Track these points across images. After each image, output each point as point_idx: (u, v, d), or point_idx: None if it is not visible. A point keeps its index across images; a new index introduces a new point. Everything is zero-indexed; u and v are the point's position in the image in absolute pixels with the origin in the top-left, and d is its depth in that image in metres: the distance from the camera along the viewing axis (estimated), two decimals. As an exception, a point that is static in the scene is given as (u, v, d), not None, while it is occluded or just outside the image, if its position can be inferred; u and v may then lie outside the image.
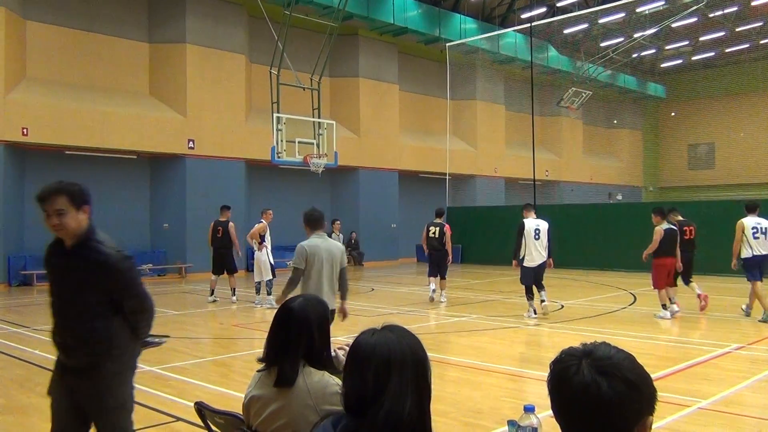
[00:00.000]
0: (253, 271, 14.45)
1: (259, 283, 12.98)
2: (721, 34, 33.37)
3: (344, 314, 6.12)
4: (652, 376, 1.47)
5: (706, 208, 18.61)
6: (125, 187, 19.86)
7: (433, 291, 13.70)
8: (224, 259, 13.74)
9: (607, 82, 35.00)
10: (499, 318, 11.34)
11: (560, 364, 1.46)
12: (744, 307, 11.14)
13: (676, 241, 11.06)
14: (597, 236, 20.91)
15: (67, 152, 18.45)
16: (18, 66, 17.49)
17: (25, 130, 16.99)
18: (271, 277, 12.86)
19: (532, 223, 11.32)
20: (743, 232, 10.59)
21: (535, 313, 11.18)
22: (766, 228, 10.56)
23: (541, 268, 11.25)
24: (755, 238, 10.54)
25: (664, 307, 10.95)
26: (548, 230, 11.32)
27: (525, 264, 11.19)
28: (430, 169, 26.84)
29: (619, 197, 36.68)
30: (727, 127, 39.26)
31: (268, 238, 13.09)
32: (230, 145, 20.55)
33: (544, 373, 1.52)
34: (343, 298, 6.13)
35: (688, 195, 36.35)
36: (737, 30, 32.99)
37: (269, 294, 12.75)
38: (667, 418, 5.34)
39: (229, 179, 20.45)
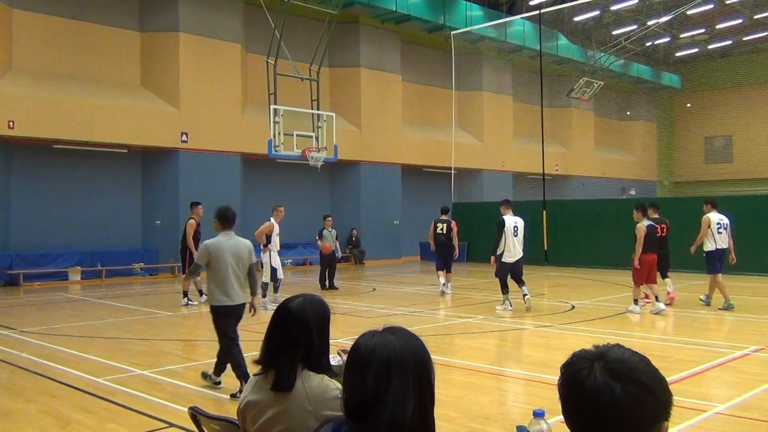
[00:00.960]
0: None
1: (266, 284, 12.89)
2: (739, 21, 33.23)
3: (254, 310, 6.66)
4: (668, 379, 1.46)
5: (723, 203, 18.57)
6: (116, 182, 19.88)
7: (444, 285, 14.65)
8: (182, 260, 13.78)
9: (619, 71, 34.94)
10: (507, 319, 11.35)
11: (572, 367, 1.45)
12: (703, 297, 12.44)
13: (656, 236, 11.63)
14: (609, 233, 20.90)
15: (55, 146, 18.46)
16: (4, 56, 17.50)
17: (11, 123, 17.00)
18: (268, 281, 12.74)
19: (511, 220, 12.04)
20: (709, 227, 11.71)
21: (511, 306, 11.99)
22: (727, 224, 11.88)
23: (519, 263, 12.05)
24: (719, 233, 11.77)
25: (635, 302, 11.66)
26: (525, 227, 12.24)
27: (503, 259, 11.96)
28: (434, 164, 26.86)
29: (633, 192, 36.67)
30: (746, 119, 39.16)
31: (275, 239, 12.95)
32: (225, 139, 20.56)
33: (554, 377, 1.51)
34: (252, 293, 6.65)
35: (704, 190, 36.29)
36: (755, 17, 32.86)
37: (264, 296, 12.68)
38: (683, 423, 5.33)
39: (224, 174, 20.46)
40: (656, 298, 11.52)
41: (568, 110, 34.53)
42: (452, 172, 25.37)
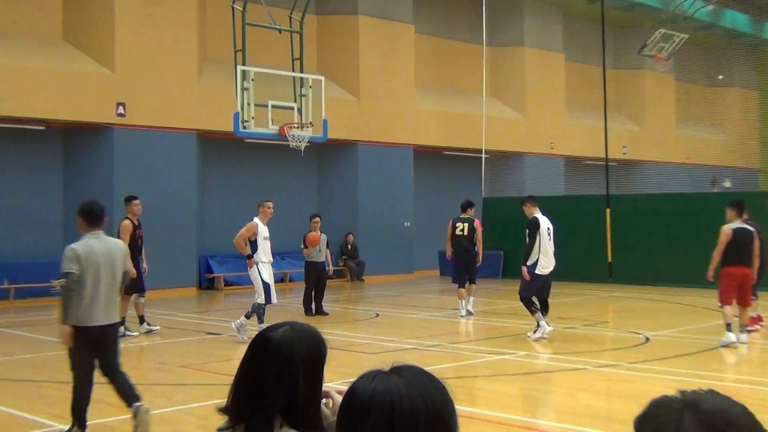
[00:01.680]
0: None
1: (261, 306, 12.72)
2: None
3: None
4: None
5: None
6: (27, 170, 19.88)
7: (465, 313, 14.95)
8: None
9: (708, 21, 34.82)
10: (558, 356, 11.34)
11: (652, 420, 1.44)
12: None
13: (749, 244, 11.65)
14: (695, 239, 20.85)
15: (-53, 121, 18.48)
16: None
17: None
18: (263, 301, 12.70)
19: (544, 220, 12.53)
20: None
21: (549, 327, 12.30)
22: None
23: (551, 279, 12.56)
24: None
25: (728, 327, 11.53)
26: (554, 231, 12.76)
27: (538, 271, 12.34)
28: (458, 144, 26.86)
29: (727, 185, 36.54)
30: None
31: (264, 245, 12.89)
32: (176, 111, 20.57)
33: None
34: (122, 312, 6.90)
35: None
36: None
37: (247, 316, 12.61)
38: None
39: (175, 159, 20.48)
40: (727, 326, 11.52)
41: (640, 74, 34.43)
42: (483, 156, 25.31)
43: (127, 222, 13.41)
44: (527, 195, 13.74)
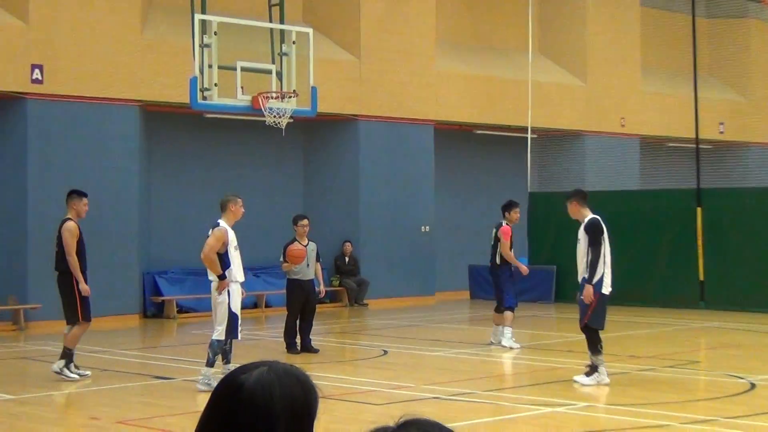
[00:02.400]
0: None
1: (223, 342, 12.63)
2: None
3: None
4: None
5: None
6: None
7: (497, 334, 15.98)
8: (60, 294, 13.84)
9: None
10: (631, 408, 11.32)
11: None
12: None
13: None
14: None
15: None
16: None
17: None
18: (222, 337, 12.56)
19: (602, 224, 12.99)
20: None
21: (607, 379, 12.50)
22: None
23: None
24: None
25: None
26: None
27: (604, 290, 12.66)
28: (495, 120, 26.87)
29: None
30: None
31: (236, 258, 12.86)
32: (111, 76, 20.59)
33: None
34: None
35: None
36: None
37: (208, 363, 12.53)
38: None
39: (110, 139, 20.49)
40: None
41: (743, 23, 34.38)
42: (528, 136, 25.28)
43: (72, 224, 13.58)
44: (575, 189, 13.86)
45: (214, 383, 12.20)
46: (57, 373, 13.09)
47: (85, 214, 13.89)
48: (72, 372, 13.23)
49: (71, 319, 13.50)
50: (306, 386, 2.53)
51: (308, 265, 16.05)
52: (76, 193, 13.94)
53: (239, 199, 13.20)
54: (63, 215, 13.92)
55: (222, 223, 12.80)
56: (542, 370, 14.45)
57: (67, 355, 13.31)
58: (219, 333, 12.51)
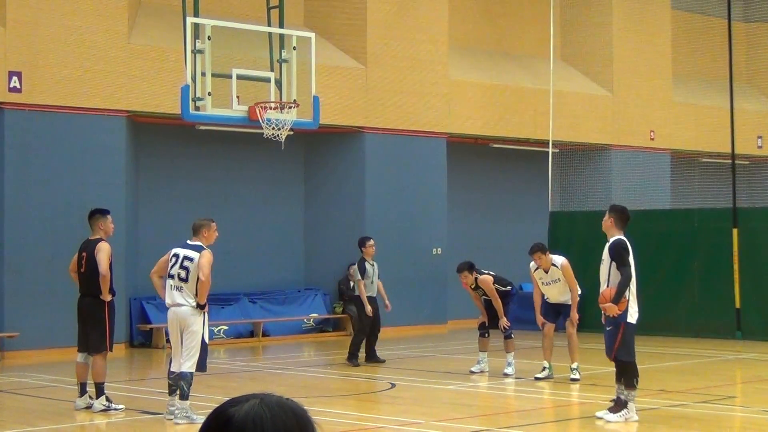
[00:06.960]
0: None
1: (190, 375, 12.97)
2: None
3: None
4: None
5: None
6: None
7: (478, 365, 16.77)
8: (85, 319, 14.02)
9: None
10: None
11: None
12: None
13: None
14: None
15: None
16: None
17: None
18: (193, 370, 13.01)
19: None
20: None
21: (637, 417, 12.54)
22: None
23: None
24: None
25: None
26: None
27: (629, 319, 12.70)
28: (513, 133, 26.91)
29: None
30: None
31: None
32: (95, 84, 20.61)
33: None
34: None
35: None
36: None
37: (184, 396, 12.69)
38: None
39: (95, 152, 20.50)
40: None
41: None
42: (550, 150, 25.27)
43: (107, 245, 14.01)
44: (619, 206, 13.97)
45: (194, 415, 12.37)
46: (104, 410, 13.53)
47: (112, 231, 14.42)
48: (112, 403, 13.70)
49: (98, 347, 13.83)
50: (302, 420, 2.51)
51: (372, 282, 18.39)
52: (99, 212, 14.37)
53: (213, 224, 13.61)
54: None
55: (200, 243, 13.06)
56: (563, 405, 14.41)
57: (101, 390, 13.64)
58: (191, 365, 12.79)
